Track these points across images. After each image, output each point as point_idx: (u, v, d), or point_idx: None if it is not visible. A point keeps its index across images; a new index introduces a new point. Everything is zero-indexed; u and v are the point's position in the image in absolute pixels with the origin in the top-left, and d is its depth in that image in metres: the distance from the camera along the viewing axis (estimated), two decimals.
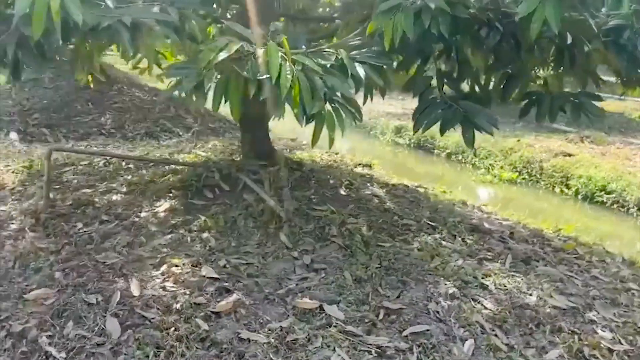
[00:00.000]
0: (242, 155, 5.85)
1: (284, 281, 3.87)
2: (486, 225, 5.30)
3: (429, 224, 4.99)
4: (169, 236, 4.39)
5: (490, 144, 10.64)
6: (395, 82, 4.18)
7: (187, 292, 3.61)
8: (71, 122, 9.58)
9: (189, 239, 4.36)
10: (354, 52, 3.64)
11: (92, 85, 7.30)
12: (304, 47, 3.64)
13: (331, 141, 3.27)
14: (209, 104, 3.35)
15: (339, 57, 3.48)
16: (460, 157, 11.26)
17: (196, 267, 3.93)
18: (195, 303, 3.51)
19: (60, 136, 9.18)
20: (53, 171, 5.90)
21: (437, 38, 3.50)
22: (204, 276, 3.80)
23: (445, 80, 3.95)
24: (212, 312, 3.44)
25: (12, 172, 6.07)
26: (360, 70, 3.45)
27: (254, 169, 5.25)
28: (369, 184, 5.87)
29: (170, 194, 5.07)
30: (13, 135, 8.94)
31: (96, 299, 3.51)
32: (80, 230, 4.45)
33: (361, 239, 4.47)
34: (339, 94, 3.31)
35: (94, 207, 4.87)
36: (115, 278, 3.77)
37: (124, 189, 5.26)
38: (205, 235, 4.42)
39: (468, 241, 4.77)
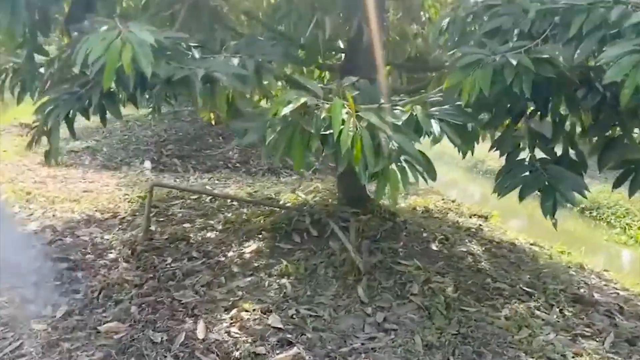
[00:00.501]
0: (337, 200, 5.82)
1: (350, 339, 3.75)
2: (595, 295, 4.82)
3: (524, 289, 4.62)
4: (249, 279, 4.43)
5: (630, 201, 9.75)
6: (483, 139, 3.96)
7: (250, 341, 3.60)
8: (201, 154, 10.11)
9: (266, 283, 4.37)
10: (434, 109, 3.48)
11: (213, 122, 7.63)
12: (381, 101, 3.54)
13: (394, 200, 3.14)
14: None
15: (414, 114, 3.35)
16: (595, 214, 10.42)
17: (265, 314, 3.92)
18: (254, 353, 3.49)
19: (189, 167, 9.73)
20: (163, 203, 6.24)
21: (528, 97, 3.26)
22: (270, 325, 3.78)
23: (537, 142, 3.66)
24: None
25: (128, 201, 6.48)
26: (436, 128, 3.30)
27: (344, 216, 5.19)
28: (467, 240, 5.57)
29: (260, 235, 5.14)
30: (147, 164, 9.58)
31: (162, 337, 3.61)
32: (167, 266, 4.61)
33: (443, 300, 4.23)
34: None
35: (187, 243, 5.05)
36: (185, 318, 3.86)
37: (220, 227, 5.41)
38: (283, 281, 4.41)
39: (567, 313, 4.35)
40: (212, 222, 5.57)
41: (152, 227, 5.40)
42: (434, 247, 5.16)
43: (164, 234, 5.22)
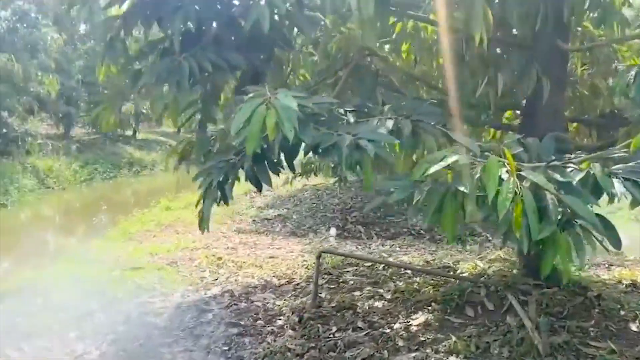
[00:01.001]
0: (519, 270, 5.28)
1: None
2: None
3: None
4: (413, 354, 4.12)
5: None
6: None
7: None
8: (385, 221, 10.04)
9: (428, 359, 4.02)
10: (617, 166, 3.01)
11: None
12: (553, 157, 3.16)
13: (566, 274, 2.72)
14: None
15: (591, 172, 2.92)
16: None
17: None
18: None
19: (372, 234, 9.67)
20: (336, 270, 6.18)
21: None
22: None
23: None
24: None
25: (306, 268, 6.51)
26: (619, 188, 2.84)
27: (525, 288, 4.67)
28: None
29: (430, 307, 4.80)
30: (332, 231, 9.70)
31: None
32: (331, 335, 4.47)
33: None
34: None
35: (354, 312, 4.88)
36: None
37: (389, 296, 5.17)
38: (451, 359, 4.02)
39: None
40: (381, 290, 5.35)
41: (322, 294, 5.33)
42: (634, 327, 4.41)
43: (332, 301, 5.11)
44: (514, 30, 4.84)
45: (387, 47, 4.66)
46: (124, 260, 7.65)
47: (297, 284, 5.88)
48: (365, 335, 4.46)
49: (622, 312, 4.56)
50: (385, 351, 4.18)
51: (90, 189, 18.53)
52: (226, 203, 3.61)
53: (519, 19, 4.57)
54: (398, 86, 4.35)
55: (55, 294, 6.22)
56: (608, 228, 2.87)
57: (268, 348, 4.32)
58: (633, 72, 3.70)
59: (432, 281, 5.43)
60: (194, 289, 6.16)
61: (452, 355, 4.08)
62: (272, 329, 4.75)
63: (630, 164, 3.06)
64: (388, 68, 4.30)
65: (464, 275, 5.52)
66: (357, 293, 5.37)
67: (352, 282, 5.78)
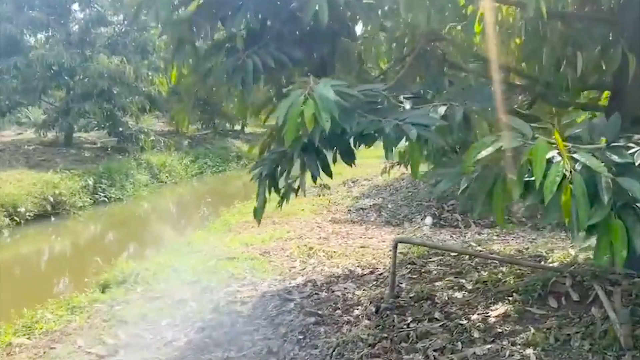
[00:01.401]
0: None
1: None
2: None
3: None
4: (487, 346, 4.02)
5: None
6: None
7: None
8: None
9: (507, 352, 3.91)
10: None
11: None
12: (619, 137, 2.97)
13: (620, 260, 2.55)
14: None
15: None
16: None
17: None
18: None
19: (470, 222, 9.43)
20: (421, 260, 6.12)
21: None
22: None
23: None
24: None
25: (391, 257, 6.48)
26: None
27: (614, 278, 4.41)
28: None
29: (511, 298, 4.64)
30: (428, 220, 9.56)
31: None
32: (405, 326, 4.45)
33: None
34: None
35: (432, 303, 4.82)
36: None
37: (470, 287, 5.06)
38: (528, 351, 3.89)
39: None
40: (463, 281, 5.24)
41: (403, 285, 5.31)
42: None
43: (411, 291, 5.07)
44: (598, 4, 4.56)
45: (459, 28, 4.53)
46: (220, 250, 7.95)
47: (380, 274, 5.88)
48: (440, 326, 4.39)
49: None
50: (459, 343, 4.11)
51: (200, 182, 19.38)
52: (277, 193, 3.67)
53: None
54: (466, 70, 4.22)
55: (154, 283, 6.60)
56: None
57: (341, 337, 4.37)
58: None
59: (518, 271, 5.24)
60: (281, 278, 6.31)
61: (529, 347, 3.95)
62: (348, 319, 4.79)
63: None
64: (455, 52, 4.19)
65: (553, 264, 5.28)
66: (438, 283, 5.30)
67: (435, 272, 5.70)
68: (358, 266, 6.37)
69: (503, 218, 2.82)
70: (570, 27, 4.37)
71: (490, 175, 2.78)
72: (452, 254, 6.15)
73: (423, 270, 5.77)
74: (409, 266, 5.95)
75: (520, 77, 4.43)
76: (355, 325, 4.61)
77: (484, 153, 2.71)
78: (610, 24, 4.41)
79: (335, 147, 3.44)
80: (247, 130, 27.69)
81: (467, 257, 5.95)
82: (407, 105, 3.38)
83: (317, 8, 3.53)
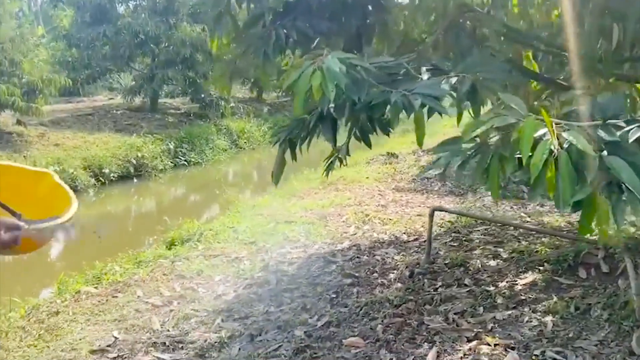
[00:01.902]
0: None
1: None
2: None
3: None
4: (508, 312, 4.17)
5: None
6: None
7: None
8: None
9: (526, 318, 4.05)
10: None
11: None
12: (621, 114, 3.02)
13: (603, 235, 2.66)
14: None
15: None
16: None
17: (506, 350, 3.66)
18: None
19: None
20: (466, 229, 6.24)
21: None
22: None
23: None
24: None
25: (439, 226, 6.63)
26: None
27: None
28: None
29: (542, 267, 4.73)
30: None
31: (390, 358, 3.69)
32: (433, 290, 4.64)
33: None
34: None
35: (464, 269, 4.98)
36: (423, 343, 3.87)
37: (505, 255, 5.17)
38: (546, 318, 4.01)
39: None
40: (501, 250, 5.34)
41: (441, 252, 5.47)
42: None
43: (447, 259, 5.24)
44: None
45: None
46: (281, 214, 8.33)
47: (424, 241, 6.04)
48: (467, 291, 4.56)
49: None
50: (481, 307, 4.28)
51: (277, 149, 19.86)
52: (294, 158, 3.91)
53: None
54: (497, 44, 4.27)
55: (214, 242, 7.06)
56: None
57: (371, 298, 4.62)
58: None
59: (557, 242, 5.30)
60: (331, 242, 6.60)
61: (548, 314, 4.07)
62: (382, 282, 5.02)
63: None
64: (486, 24, 4.24)
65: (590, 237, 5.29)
66: (476, 252, 5.43)
67: (477, 241, 5.82)
68: (404, 233, 6.56)
69: (498, 193, 2.95)
70: None
71: (487, 151, 2.91)
72: (498, 224, 6.22)
73: (465, 239, 5.90)
74: (452, 234, 6.09)
75: (555, 48, 4.42)
76: (388, 288, 4.85)
77: (479, 130, 2.86)
78: None
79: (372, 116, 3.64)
80: None
81: (512, 227, 6.02)
82: (425, 77, 3.53)
83: None
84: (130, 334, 4.54)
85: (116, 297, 5.47)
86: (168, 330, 4.56)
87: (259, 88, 24.14)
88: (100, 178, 12.86)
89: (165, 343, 4.30)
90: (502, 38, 4.29)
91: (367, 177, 10.99)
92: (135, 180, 13.74)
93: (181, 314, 4.84)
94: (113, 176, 13.12)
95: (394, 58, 3.62)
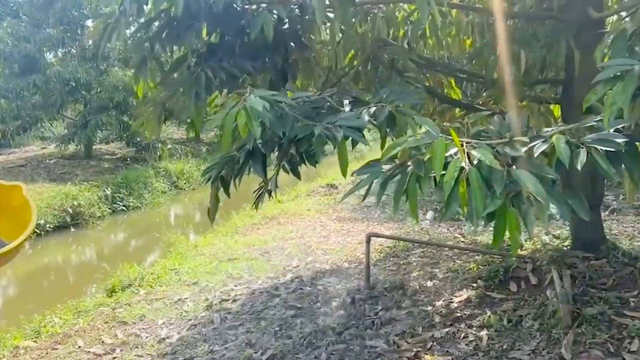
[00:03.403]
0: (572, 244, 5.23)
1: None
2: None
3: None
4: (446, 330, 4.32)
5: None
6: None
7: None
8: None
9: (462, 335, 4.21)
10: (589, 136, 3.03)
11: None
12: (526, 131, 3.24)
13: (514, 244, 2.84)
14: None
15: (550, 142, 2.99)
16: None
17: None
18: None
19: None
20: (404, 252, 6.41)
21: None
22: None
23: None
24: None
25: (379, 252, 6.79)
26: (582, 157, 2.88)
27: (573, 262, 4.67)
28: None
29: (475, 284, 4.93)
30: (429, 215, 9.76)
31: None
32: (374, 314, 4.76)
33: None
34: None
35: (403, 292, 5.13)
36: None
37: (441, 275, 5.36)
38: (482, 333, 4.19)
39: None
40: (437, 270, 5.54)
41: (381, 277, 5.62)
42: None
43: (386, 282, 5.38)
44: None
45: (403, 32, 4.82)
46: (223, 252, 8.34)
47: (363, 268, 6.18)
48: (405, 313, 4.71)
49: None
50: (420, 327, 4.43)
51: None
52: (227, 194, 4.00)
53: None
54: (414, 74, 4.50)
55: (156, 286, 7.01)
56: (559, 200, 2.89)
57: (314, 327, 4.70)
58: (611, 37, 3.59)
59: (489, 259, 5.52)
60: (274, 276, 6.66)
61: (483, 329, 4.24)
62: (325, 310, 5.12)
63: (602, 132, 3.06)
64: (402, 56, 4.47)
65: (521, 253, 5.54)
66: (414, 274, 5.61)
67: (414, 263, 6.00)
68: (345, 261, 6.69)
69: (416, 212, 3.10)
70: (516, 26, 4.63)
71: (406, 172, 3.07)
72: (434, 246, 6.43)
73: (403, 263, 6.08)
74: (391, 259, 6.26)
75: (469, 75, 4.70)
76: (330, 316, 4.94)
77: (394, 151, 3.02)
78: (556, 22, 4.65)
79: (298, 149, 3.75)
80: None
81: (447, 248, 6.23)
82: (347, 109, 3.69)
83: (263, 24, 3.88)
84: None
85: (56, 349, 5.37)
86: None
87: (195, 130, 24.02)
88: (36, 230, 12.53)
89: None
90: (420, 68, 4.51)
91: (309, 210, 11.11)
92: (72, 229, 13.44)
93: None
94: (49, 227, 12.80)
95: (319, 92, 3.77)
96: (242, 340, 4.84)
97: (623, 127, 3.00)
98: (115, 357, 4.96)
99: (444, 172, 2.78)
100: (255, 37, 3.92)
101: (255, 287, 6.31)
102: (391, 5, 4.65)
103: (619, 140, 2.93)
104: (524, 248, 5.69)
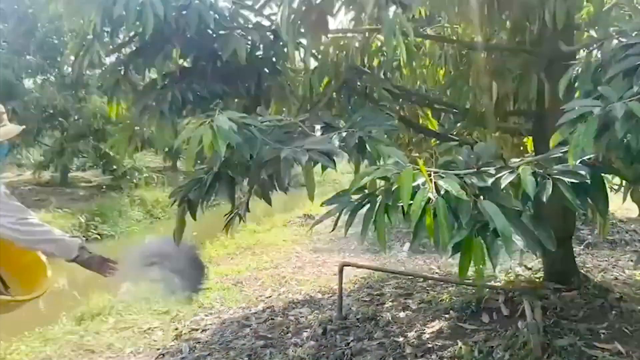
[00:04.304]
0: (544, 275, 5.23)
1: None
2: None
3: None
4: None
5: None
6: None
7: None
8: None
9: None
10: (555, 167, 3.03)
11: None
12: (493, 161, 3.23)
13: (478, 275, 2.81)
14: None
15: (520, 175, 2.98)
16: None
17: None
18: None
19: (449, 248, 9.59)
20: (379, 283, 6.37)
21: None
22: None
23: None
24: None
25: (352, 282, 6.74)
26: (548, 189, 2.87)
27: (544, 293, 4.66)
28: None
29: (447, 315, 4.89)
30: (405, 247, 9.74)
31: None
32: (345, 345, 4.69)
33: None
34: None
35: (375, 322, 5.07)
36: None
37: (414, 306, 5.31)
38: None
39: None
40: (410, 301, 5.49)
41: (354, 307, 5.55)
42: None
43: (359, 313, 5.32)
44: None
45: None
46: None
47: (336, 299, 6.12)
48: (377, 344, 4.63)
49: None
50: (391, 358, 4.35)
51: (208, 218, 19.65)
52: (193, 217, 3.94)
53: (517, 23, 4.65)
54: (388, 103, 4.51)
55: (125, 315, 6.87)
56: (525, 232, 2.86)
57: (283, 358, 4.61)
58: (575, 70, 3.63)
59: (462, 290, 5.49)
60: (245, 306, 6.57)
61: None
62: (296, 341, 5.02)
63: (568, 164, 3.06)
64: (375, 85, 4.49)
65: (492, 283, 5.52)
66: (387, 304, 5.55)
67: (388, 294, 5.95)
68: (319, 292, 6.61)
69: (384, 242, 3.05)
70: (489, 58, 4.68)
71: (374, 201, 3.03)
72: (408, 276, 6.40)
73: (376, 293, 6.02)
74: (365, 289, 6.21)
75: (444, 106, 4.73)
76: (301, 346, 4.84)
77: (363, 181, 2.99)
78: (528, 55, 4.71)
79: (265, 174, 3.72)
80: None
81: (422, 279, 6.20)
82: (318, 133, 3.68)
83: (235, 48, 3.88)
84: None
85: None
86: None
87: (173, 156, 24.00)
88: None
89: None
90: (395, 98, 4.53)
91: (285, 240, 11.06)
92: (44, 256, 13.19)
93: None
94: None
95: (291, 118, 3.75)
96: None
97: (589, 158, 3.02)
98: None
99: (411, 201, 2.76)
100: (228, 61, 3.93)
101: (226, 317, 6.21)
102: (366, 34, 4.67)
103: (583, 172, 2.94)
104: (497, 279, 5.68)
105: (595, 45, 4.34)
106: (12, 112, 17.46)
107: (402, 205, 2.88)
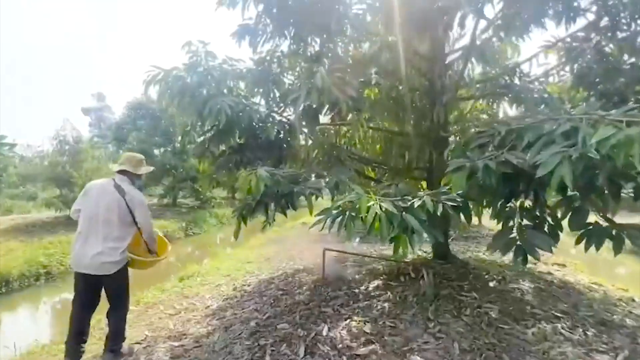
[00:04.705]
0: (433, 255, 5.16)
1: (411, 342, 3.23)
2: (627, 321, 3.41)
3: (556, 314, 3.48)
4: (365, 302, 4.13)
5: None
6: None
7: (348, 338, 3.35)
8: None
9: (374, 305, 4.03)
10: (443, 197, 3.01)
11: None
12: (410, 194, 3.20)
13: (403, 255, 2.75)
14: None
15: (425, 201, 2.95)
16: None
17: (365, 323, 3.61)
18: (348, 346, 3.23)
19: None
20: (344, 259, 6.19)
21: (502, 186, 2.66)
22: (363, 330, 3.46)
23: (524, 213, 2.90)
24: (356, 355, 3.10)
25: (329, 259, 6.54)
26: (439, 208, 2.85)
27: (433, 265, 4.59)
28: (521, 280, 4.42)
29: (382, 277, 4.79)
30: (357, 239, 9.47)
31: (303, 333, 3.53)
32: (326, 294, 4.53)
33: (487, 319, 3.42)
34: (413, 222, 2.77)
35: (342, 281, 4.93)
36: (320, 323, 3.74)
37: (363, 272, 5.19)
38: (385, 304, 4.01)
39: (589, 333, 3.15)
40: (362, 269, 5.36)
41: (331, 273, 5.38)
42: (491, 284, 4.21)
43: (334, 276, 5.17)
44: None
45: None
46: (245, 258, 7.97)
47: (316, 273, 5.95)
48: (344, 293, 4.50)
49: (486, 277, 4.38)
50: (351, 301, 4.22)
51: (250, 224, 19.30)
52: (245, 224, 3.84)
53: (418, 120, 4.67)
54: (349, 162, 4.52)
55: (207, 276, 6.63)
56: (428, 231, 2.83)
57: (292, 300, 4.45)
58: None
59: (391, 263, 5.38)
60: (271, 271, 6.33)
61: (386, 302, 4.06)
62: (299, 291, 4.85)
63: (449, 195, 3.04)
64: (343, 154, 4.51)
65: (406, 260, 5.42)
66: (349, 271, 5.39)
67: (350, 265, 5.79)
68: (312, 264, 6.43)
69: (350, 237, 2.99)
70: (404, 138, 4.69)
71: (345, 214, 2.99)
72: (361, 256, 6.25)
73: (343, 265, 5.87)
74: (337, 263, 6.04)
75: (379, 164, 4.73)
76: (302, 294, 4.68)
77: (339, 203, 2.95)
78: (423, 137, 4.73)
79: (285, 200, 3.65)
80: None
81: (367, 257, 6.07)
82: (312, 179, 3.65)
83: (268, 132, 3.85)
84: None
85: (147, 312, 4.95)
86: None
87: (234, 191, 23.71)
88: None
89: (175, 336, 3.92)
90: (352, 160, 4.51)
91: (292, 236, 10.82)
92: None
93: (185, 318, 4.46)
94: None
95: (298, 170, 3.72)
96: (252, 308, 4.55)
97: (461, 192, 3.00)
98: (181, 316, 4.61)
99: (367, 214, 2.73)
100: (264, 139, 3.90)
101: (261, 278, 6.01)
102: (339, 126, 4.68)
103: (458, 200, 2.93)
104: (408, 258, 5.58)
105: (460, 133, 4.39)
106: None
107: (361, 217, 2.86)
